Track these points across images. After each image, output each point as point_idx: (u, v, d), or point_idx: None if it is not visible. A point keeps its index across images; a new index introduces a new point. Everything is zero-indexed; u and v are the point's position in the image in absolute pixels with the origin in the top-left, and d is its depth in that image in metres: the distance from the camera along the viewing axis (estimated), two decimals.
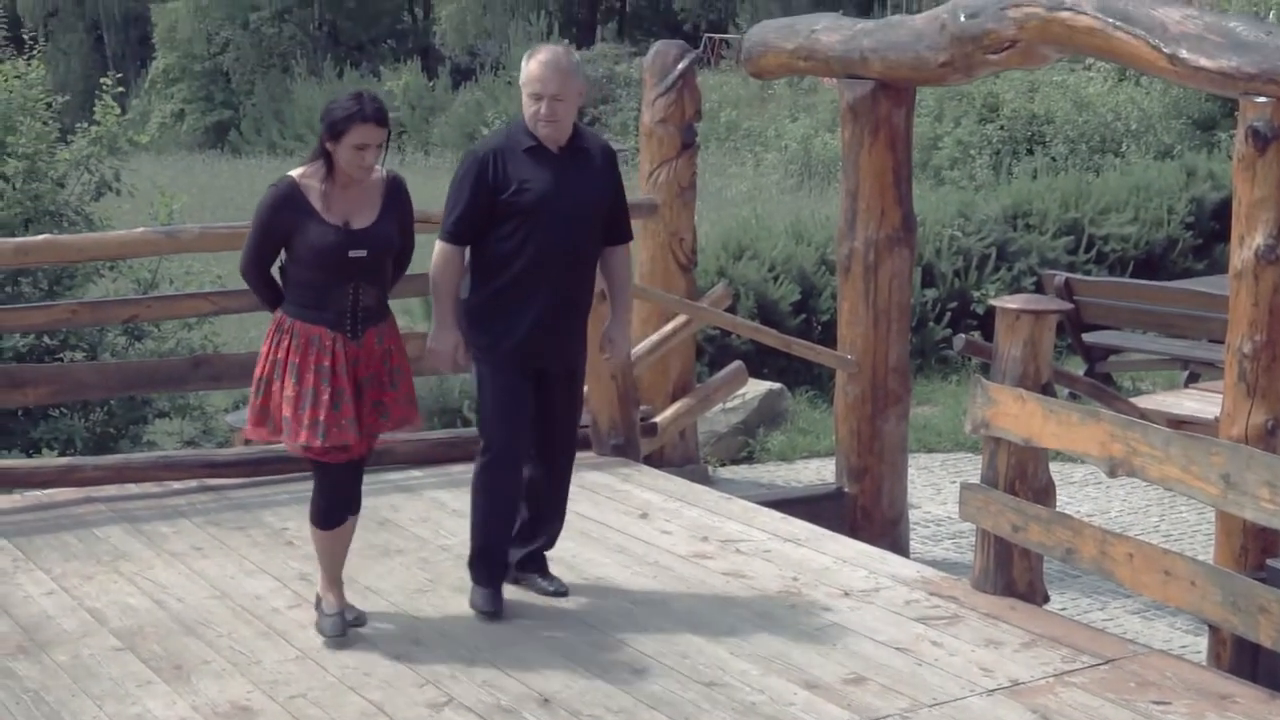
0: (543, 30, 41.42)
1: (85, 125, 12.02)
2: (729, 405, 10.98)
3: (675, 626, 5.69)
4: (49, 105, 11.63)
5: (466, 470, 6.06)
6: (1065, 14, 6.50)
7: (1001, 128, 24.43)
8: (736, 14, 45.35)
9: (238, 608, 5.86)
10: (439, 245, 5.76)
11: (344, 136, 5.28)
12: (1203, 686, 5.19)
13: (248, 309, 7.42)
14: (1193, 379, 11.82)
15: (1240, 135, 6.01)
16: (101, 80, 12.30)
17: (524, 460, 5.88)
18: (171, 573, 6.25)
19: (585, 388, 8.10)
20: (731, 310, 10.47)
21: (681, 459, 9.31)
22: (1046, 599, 6.14)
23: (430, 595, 5.96)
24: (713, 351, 12.07)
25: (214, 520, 6.92)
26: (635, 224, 9.26)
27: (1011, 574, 5.99)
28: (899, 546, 8.10)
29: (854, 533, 7.66)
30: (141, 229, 7.98)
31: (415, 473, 7.64)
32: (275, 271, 5.55)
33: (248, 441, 6.34)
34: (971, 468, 10.07)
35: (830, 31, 8.06)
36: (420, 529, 6.80)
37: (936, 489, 10.33)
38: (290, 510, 6.90)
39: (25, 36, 13.64)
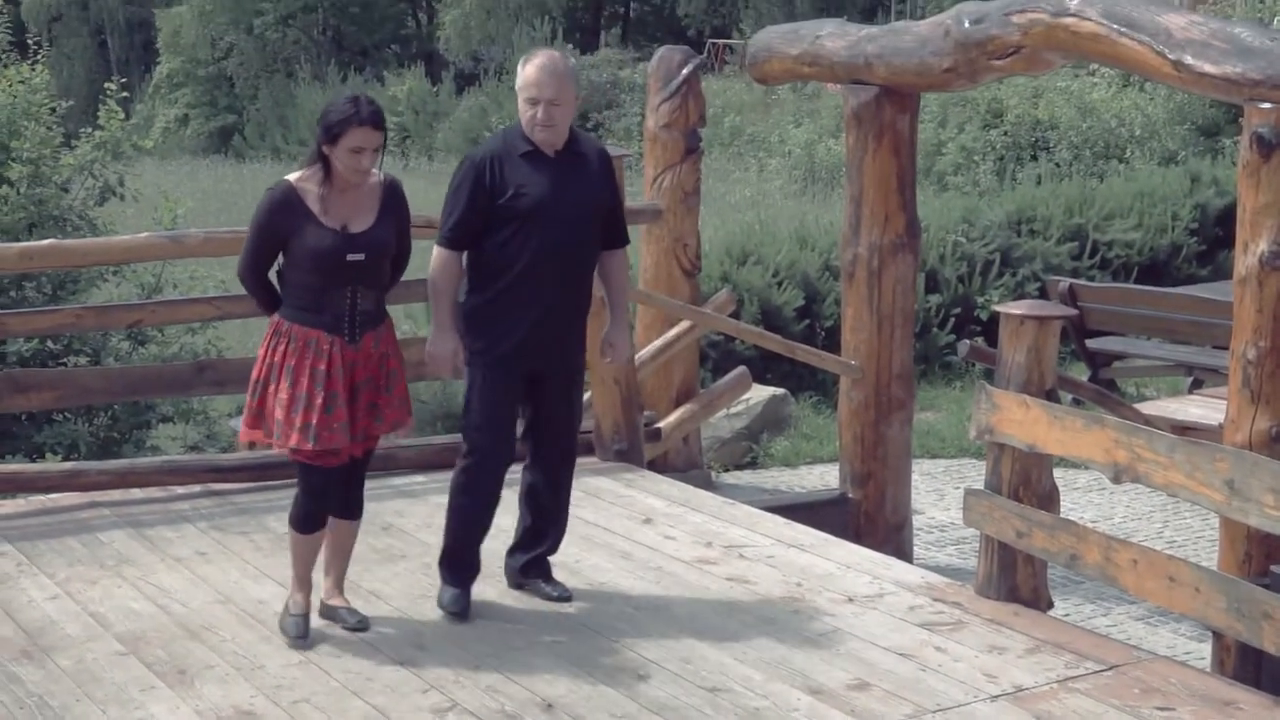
0: (546, 35, 41.41)
1: (89, 130, 12.02)
2: (733, 411, 10.98)
3: (679, 632, 5.69)
4: (53, 110, 11.63)
5: None
6: (1070, 20, 6.51)
7: (1005, 133, 24.43)
8: (740, 20, 45.37)
9: (241, 612, 5.86)
10: (437, 250, 5.77)
11: (340, 139, 5.28)
12: (1207, 693, 5.18)
13: (252, 314, 7.39)
14: (1197, 385, 11.81)
15: (1245, 141, 6.01)
16: (105, 85, 12.31)
17: (505, 467, 5.89)
18: (175, 577, 6.25)
19: (588, 393, 8.12)
20: (735, 316, 10.47)
21: (685, 464, 9.32)
22: (1050, 605, 6.13)
23: (434, 600, 5.95)
24: (716, 357, 12.07)
25: (218, 525, 6.92)
26: (639, 229, 9.32)
27: (1015, 580, 5.99)
28: (903, 552, 8.09)
29: (858, 538, 7.65)
30: (147, 234, 7.98)
31: (419, 478, 7.64)
32: (273, 275, 5.56)
33: (251, 446, 6.34)
34: (975, 473, 10.09)
35: (835, 37, 8.06)
36: (424, 534, 6.79)
37: (940, 495, 10.33)
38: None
39: (29, 41, 13.63)
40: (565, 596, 5.99)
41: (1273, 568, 5.97)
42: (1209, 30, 5.98)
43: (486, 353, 5.76)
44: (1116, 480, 5.42)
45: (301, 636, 5.52)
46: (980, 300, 14.42)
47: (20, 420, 10.27)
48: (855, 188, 8.23)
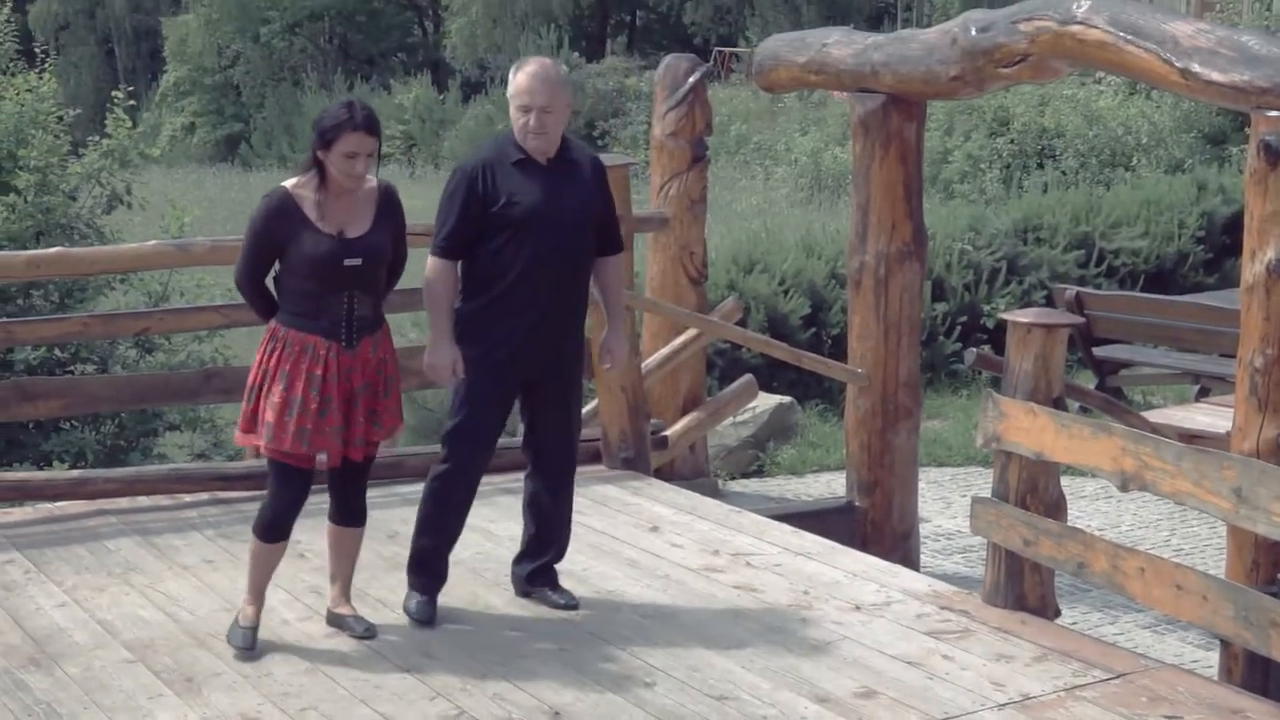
0: (552, 44, 41.42)
1: (96, 138, 12.06)
2: (739, 419, 10.98)
3: (686, 640, 5.69)
4: (60, 119, 11.67)
5: None
6: (1077, 28, 6.51)
7: (1012, 141, 24.43)
8: (746, 28, 45.41)
9: None
10: (431, 260, 5.76)
11: (334, 145, 5.29)
12: (1214, 701, 5.18)
13: (259, 322, 7.40)
14: (1204, 393, 11.79)
15: (1252, 150, 6.00)
16: (112, 94, 12.34)
17: (479, 476, 5.88)
18: (183, 585, 6.25)
19: (595, 401, 8.13)
20: (742, 324, 10.46)
21: (692, 472, 9.31)
22: (1058, 613, 6.13)
23: (440, 608, 5.95)
24: (723, 365, 12.07)
25: (225, 533, 6.92)
26: (646, 237, 9.32)
27: (1023, 588, 5.98)
28: (910, 560, 8.09)
29: (864, 546, 7.65)
30: (154, 242, 8.00)
31: None
32: (270, 282, 5.57)
33: (258, 454, 6.34)
34: (982, 482, 10.07)
35: (841, 45, 8.06)
36: None
37: (947, 503, 10.32)
38: (301, 523, 6.85)
39: (37, 50, 13.66)
40: (572, 604, 5.99)
41: None
42: (1216, 38, 5.98)
43: (481, 360, 5.75)
44: (1124, 488, 5.41)
45: (249, 648, 5.49)
46: (987, 308, 14.41)
47: (28, 428, 10.30)
48: (862, 196, 8.22)
